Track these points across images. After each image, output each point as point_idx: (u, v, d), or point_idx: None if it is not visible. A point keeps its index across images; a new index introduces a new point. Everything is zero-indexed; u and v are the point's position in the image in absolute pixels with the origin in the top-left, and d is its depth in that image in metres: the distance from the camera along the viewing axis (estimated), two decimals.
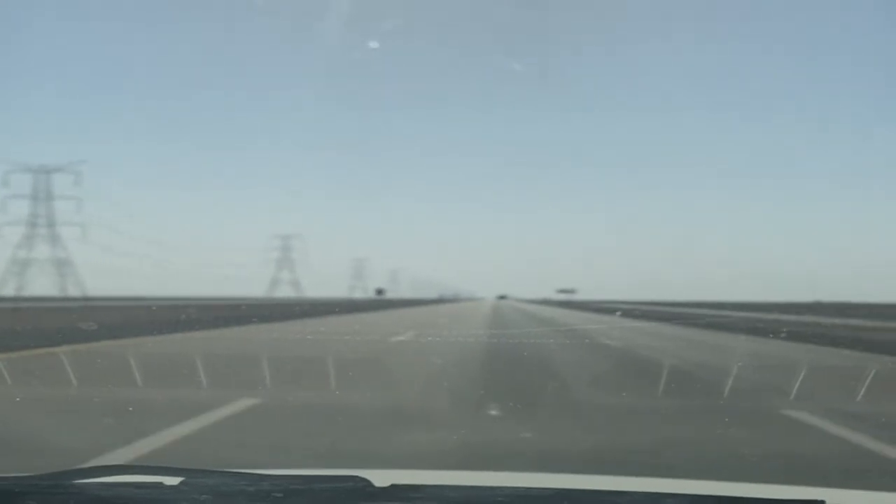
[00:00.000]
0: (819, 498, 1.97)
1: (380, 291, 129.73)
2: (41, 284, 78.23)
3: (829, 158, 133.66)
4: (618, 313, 37.33)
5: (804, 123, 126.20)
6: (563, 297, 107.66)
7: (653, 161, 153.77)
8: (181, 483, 1.92)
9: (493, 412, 7.87)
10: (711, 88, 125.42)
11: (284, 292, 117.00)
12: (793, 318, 26.33)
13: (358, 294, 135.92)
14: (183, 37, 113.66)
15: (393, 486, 1.93)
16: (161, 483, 1.94)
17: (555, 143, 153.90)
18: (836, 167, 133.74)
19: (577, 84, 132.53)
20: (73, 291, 76.16)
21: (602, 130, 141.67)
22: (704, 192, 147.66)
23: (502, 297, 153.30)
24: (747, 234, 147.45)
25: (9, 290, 75.49)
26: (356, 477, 1.93)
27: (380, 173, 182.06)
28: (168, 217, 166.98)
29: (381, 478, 1.95)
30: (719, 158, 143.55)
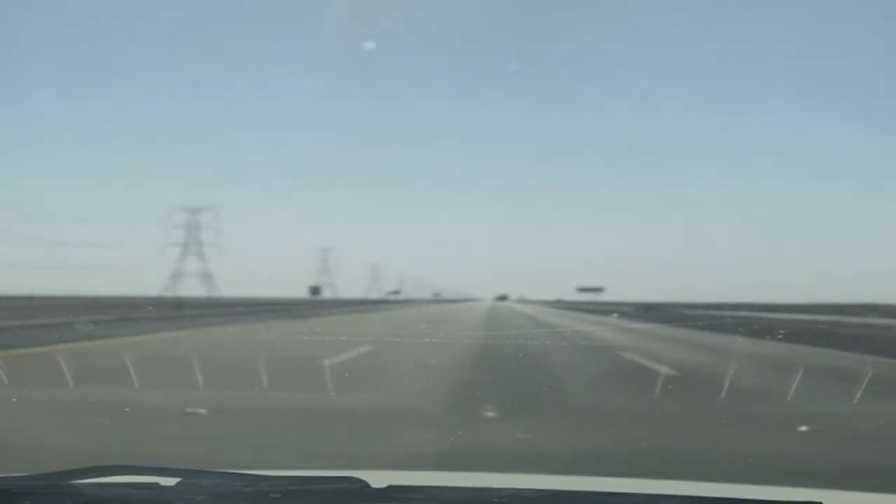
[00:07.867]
0: (817, 500, 1.97)
1: (315, 290, 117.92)
2: None
3: (867, 158, 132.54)
4: (615, 315, 34.70)
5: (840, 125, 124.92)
6: (586, 296, 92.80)
7: (675, 158, 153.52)
8: (178, 483, 1.92)
9: None
10: (727, 87, 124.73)
11: (192, 289, 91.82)
12: None
13: (327, 293, 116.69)
14: (170, 27, 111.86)
15: (390, 486, 1.93)
16: (157, 483, 1.94)
17: (566, 142, 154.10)
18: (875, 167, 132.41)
19: (590, 82, 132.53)
20: None
21: (620, 129, 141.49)
22: (737, 191, 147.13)
23: (502, 298, 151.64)
24: (789, 232, 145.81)
25: None
26: (353, 478, 1.93)
27: (369, 169, 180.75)
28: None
29: (377, 478, 1.95)
30: (746, 156, 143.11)
